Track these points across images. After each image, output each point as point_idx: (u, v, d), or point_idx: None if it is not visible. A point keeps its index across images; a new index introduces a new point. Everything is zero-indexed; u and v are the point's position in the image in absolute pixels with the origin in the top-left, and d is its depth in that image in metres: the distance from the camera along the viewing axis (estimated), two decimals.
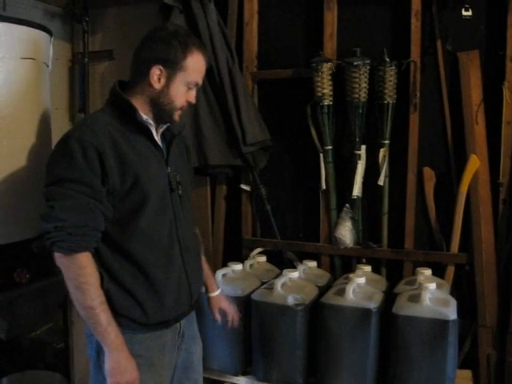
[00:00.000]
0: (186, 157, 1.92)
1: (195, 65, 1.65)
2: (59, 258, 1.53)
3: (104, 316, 1.53)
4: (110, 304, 1.57)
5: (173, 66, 1.62)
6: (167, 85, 1.63)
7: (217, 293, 2.03)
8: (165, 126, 1.73)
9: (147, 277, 1.63)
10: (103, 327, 1.53)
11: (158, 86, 1.63)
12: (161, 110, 1.66)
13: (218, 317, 2.03)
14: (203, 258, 1.96)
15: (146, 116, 1.65)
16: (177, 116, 1.69)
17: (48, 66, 2.29)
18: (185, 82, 1.65)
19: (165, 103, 1.65)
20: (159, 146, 1.69)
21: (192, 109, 2.72)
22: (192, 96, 1.69)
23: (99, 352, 1.61)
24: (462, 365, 2.48)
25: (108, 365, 1.56)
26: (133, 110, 1.62)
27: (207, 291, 2.03)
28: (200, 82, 1.70)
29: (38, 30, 2.18)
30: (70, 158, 1.51)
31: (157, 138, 1.69)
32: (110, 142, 1.56)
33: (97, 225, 1.54)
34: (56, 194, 1.52)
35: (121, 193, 1.58)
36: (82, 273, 1.52)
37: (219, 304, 2.03)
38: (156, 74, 1.62)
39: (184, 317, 1.79)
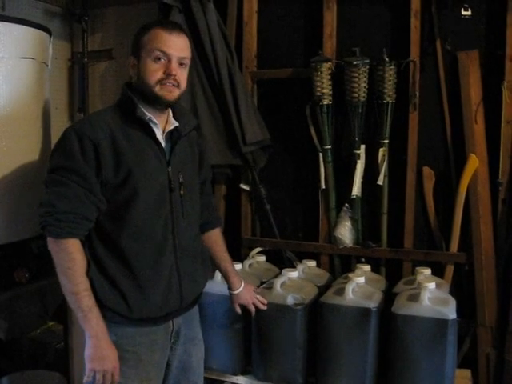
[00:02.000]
0: (198, 158, 1.91)
1: (153, 36, 1.65)
2: (50, 243, 1.60)
3: (86, 302, 1.57)
4: (95, 294, 1.61)
5: (137, 48, 1.66)
6: (138, 67, 1.66)
7: (237, 291, 2.12)
8: (172, 127, 1.73)
9: (133, 271, 1.64)
10: (84, 313, 1.57)
11: (133, 72, 1.68)
12: (144, 95, 1.66)
13: (238, 310, 2.17)
14: (225, 256, 2.06)
15: (149, 114, 1.66)
16: (162, 91, 1.65)
17: (47, 66, 2.29)
18: (148, 55, 1.64)
19: (141, 85, 1.66)
20: (161, 144, 1.70)
21: (192, 108, 2.73)
22: (170, 67, 1.64)
23: None
24: (461, 364, 2.48)
25: (87, 351, 1.59)
26: (133, 106, 1.64)
27: (229, 288, 2.13)
28: (169, 50, 1.63)
29: (37, 30, 2.18)
30: (66, 149, 1.58)
31: (161, 137, 1.70)
32: (108, 135, 1.60)
33: (86, 214, 1.59)
34: (51, 181, 1.59)
35: (113, 186, 1.61)
36: (67, 258, 1.57)
37: (239, 301, 2.15)
38: (131, 65, 1.68)
39: (175, 316, 1.78)
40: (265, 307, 2.23)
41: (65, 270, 1.57)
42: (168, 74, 1.63)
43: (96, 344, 1.57)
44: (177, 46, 1.65)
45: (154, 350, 1.71)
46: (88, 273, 1.61)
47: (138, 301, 1.65)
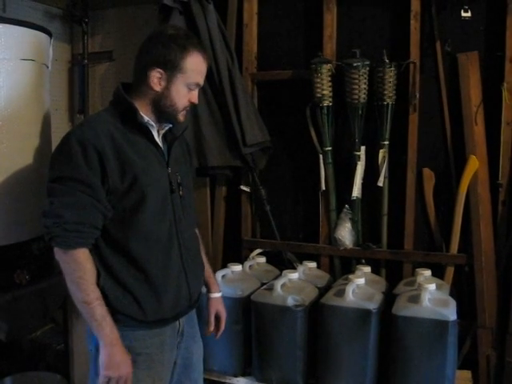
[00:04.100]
0: (189, 158, 1.93)
1: (194, 66, 1.66)
2: (58, 253, 1.57)
3: (99, 310, 1.56)
4: (108, 301, 1.60)
5: (172, 69, 1.63)
6: (168, 87, 1.65)
7: (218, 294, 2.01)
8: (166, 128, 1.74)
9: (146, 275, 1.64)
10: (98, 321, 1.56)
11: (158, 88, 1.65)
12: (163, 112, 1.68)
13: (212, 321, 1.98)
14: (205, 258, 1.96)
15: (147, 117, 1.66)
16: (181, 116, 1.71)
17: (48, 67, 2.29)
18: (185, 83, 1.66)
19: (167, 105, 1.66)
20: (160, 147, 1.70)
21: (192, 110, 2.73)
22: (194, 96, 1.70)
23: (98, 348, 1.62)
24: (462, 365, 2.48)
25: (102, 358, 1.58)
26: (133, 111, 1.64)
27: (208, 291, 2.00)
28: (201, 82, 1.71)
29: (37, 32, 2.18)
30: (70, 157, 1.55)
31: (158, 139, 1.70)
32: (111, 141, 1.58)
33: (94, 222, 1.57)
34: (56, 190, 1.56)
35: (120, 192, 1.60)
36: (78, 268, 1.56)
37: (217, 307, 1.99)
38: (156, 76, 1.64)
39: (183, 315, 1.79)
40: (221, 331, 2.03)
41: (76, 280, 1.56)
42: (191, 103, 1.71)
43: (110, 352, 1.57)
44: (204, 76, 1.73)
45: (164, 350, 1.72)
46: (99, 281, 1.60)
47: (151, 303, 1.65)
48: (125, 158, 1.59)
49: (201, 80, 1.70)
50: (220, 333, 2.01)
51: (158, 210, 1.66)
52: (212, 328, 1.99)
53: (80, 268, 1.56)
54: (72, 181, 1.54)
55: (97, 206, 1.56)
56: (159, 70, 1.63)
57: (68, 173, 1.55)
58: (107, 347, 1.57)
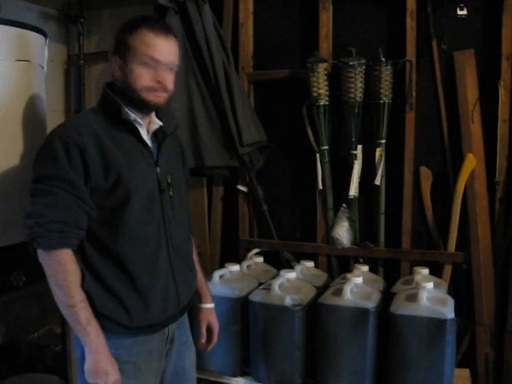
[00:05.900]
0: (182, 158, 1.88)
1: (141, 39, 1.58)
2: (40, 255, 1.53)
3: (83, 314, 1.51)
4: (93, 306, 1.55)
5: (124, 51, 1.59)
6: (124, 70, 1.59)
7: (210, 305, 1.96)
8: (156, 127, 1.69)
9: (132, 278, 1.59)
10: (83, 325, 1.51)
11: (118, 74, 1.61)
12: (130, 99, 1.61)
13: (204, 333, 1.94)
14: (198, 267, 1.92)
15: (134, 115, 1.61)
16: (150, 97, 1.60)
17: (43, 68, 2.29)
18: (138, 61, 1.57)
19: (129, 90, 1.59)
20: (148, 145, 1.65)
21: (188, 110, 2.73)
22: (161, 76, 1.59)
23: (84, 354, 1.57)
24: (460, 363, 2.49)
25: (87, 365, 1.54)
26: (118, 107, 1.60)
27: (200, 301, 1.95)
28: (159, 57, 1.58)
29: (32, 32, 2.17)
30: (52, 156, 1.51)
31: (146, 137, 1.66)
32: (94, 139, 1.54)
33: (77, 222, 1.52)
34: (38, 190, 1.52)
35: (104, 191, 1.56)
36: (61, 270, 1.51)
37: (209, 318, 1.95)
38: (114, 63, 1.61)
39: (172, 322, 1.73)
40: (212, 345, 2.00)
41: (59, 283, 1.51)
42: (156, 81, 1.59)
43: (97, 358, 1.52)
44: (166, 51, 1.59)
45: (151, 358, 1.67)
46: (83, 285, 1.54)
47: (138, 308, 1.60)
48: (109, 157, 1.55)
49: (157, 54, 1.57)
50: (212, 345, 1.98)
51: (144, 210, 1.61)
52: (204, 340, 1.95)
53: (63, 270, 1.50)
54: (55, 180, 1.50)
55: (81, 206, 1.52)
56: (115, 56, 1.60)
57: (50, 172, 1.51)
58: (93, 354, 1.52)
